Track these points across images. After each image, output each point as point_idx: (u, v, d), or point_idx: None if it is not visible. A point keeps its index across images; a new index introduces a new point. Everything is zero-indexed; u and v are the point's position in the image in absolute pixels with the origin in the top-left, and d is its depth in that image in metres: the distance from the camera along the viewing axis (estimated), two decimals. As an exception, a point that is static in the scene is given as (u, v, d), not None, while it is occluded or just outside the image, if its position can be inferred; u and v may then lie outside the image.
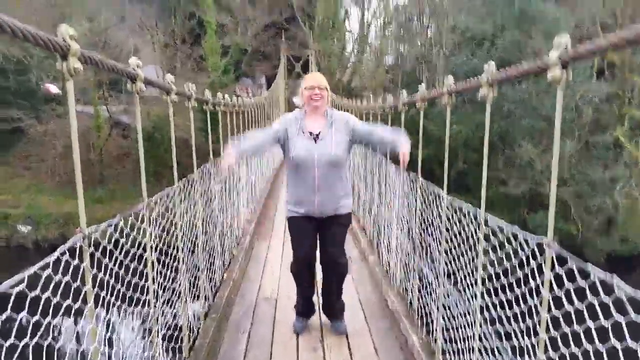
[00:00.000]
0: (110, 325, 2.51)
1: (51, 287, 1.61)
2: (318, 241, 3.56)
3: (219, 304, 3.92)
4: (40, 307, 1.54)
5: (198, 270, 3.66)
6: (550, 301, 1.83)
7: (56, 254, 1.60)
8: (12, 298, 1.37)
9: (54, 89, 23.49)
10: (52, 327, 1.62)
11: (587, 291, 1.59)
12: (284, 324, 3.78)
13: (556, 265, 1.79)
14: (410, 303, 3.85)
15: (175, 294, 3.07)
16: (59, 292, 1.66)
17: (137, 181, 19.51)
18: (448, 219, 2.91)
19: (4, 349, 1.38)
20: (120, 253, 2.21)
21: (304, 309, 3.76)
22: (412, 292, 3.84)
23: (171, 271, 2.95)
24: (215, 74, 23.41)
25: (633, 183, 15.88)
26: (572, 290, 1.69)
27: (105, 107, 23.25)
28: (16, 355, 1.43)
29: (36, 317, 1.52)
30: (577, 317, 1.72)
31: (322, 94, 3.35)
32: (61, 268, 1.63)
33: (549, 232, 1.81)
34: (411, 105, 4.13)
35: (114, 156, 22.68)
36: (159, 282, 2.66)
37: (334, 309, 3.71)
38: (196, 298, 3.63)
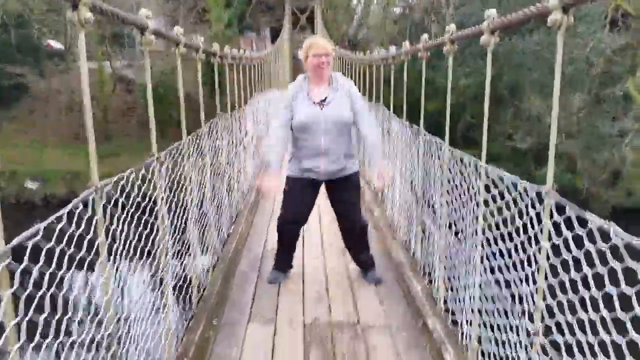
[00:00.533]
0: (122, 276, 2.58)
1: (65, 239, 1.64)
2: (332, 207, 3.61)
3: (226, 256, 4.03)
4: (55, 260, 1.57)
5: (207, 223, 3.74)
6: (549, 249, 1.87)
7: (70, 206, 1.60)
8: (28, 250, 1.38)
9: (55, 44, 23.22)
10: (65, 279, 1.66)
11: (585, 239, 1.63)
12: (290, 274, 3.86)
13: (555, 214, 1.81)
14: (414, 254, 3.95)
15: (185, 246, 3.16)
16: (72, 245, 1.68)
17: (142, 137, 19.42)
18: (449, 170, 2.94)
19: (23, 300, 1.43)
20: (131, 206, 2.24)
21: (282, 266, 3.80)
22: (414, 244, 3.92)
23: (181, 223, 3.02)
24: (218, 26, 22.89)
25: (642, 135, 15.65)
26: (570, 238, 1.72)
27: (109, 62, 22.97)
28: (33, 305, 1.47)
29: (51, 269, 1.55)
30: (575, 265, 1.77)
31: (329, 60, 3.33)
32: (74, 220, 1.66)
33: (548, 181, 1.83)
34: (415, 56, 4.08)
35: (118, 112, 22.46)
36: (169, 234, 2.73)
37: (362, 261, 3.79)
38: (205, 250, 3.72)
